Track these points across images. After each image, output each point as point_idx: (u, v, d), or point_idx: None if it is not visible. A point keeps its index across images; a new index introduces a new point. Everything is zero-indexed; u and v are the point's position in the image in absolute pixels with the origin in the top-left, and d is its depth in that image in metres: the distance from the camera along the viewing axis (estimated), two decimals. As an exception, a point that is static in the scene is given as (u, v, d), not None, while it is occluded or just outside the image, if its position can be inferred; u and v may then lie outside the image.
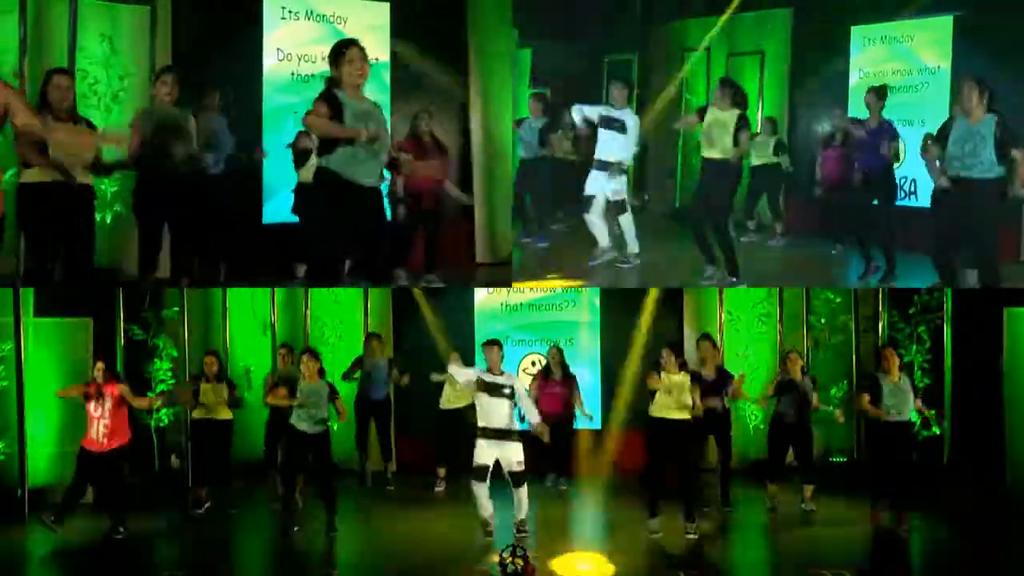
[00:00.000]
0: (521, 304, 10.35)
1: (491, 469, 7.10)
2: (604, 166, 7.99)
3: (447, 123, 10.15)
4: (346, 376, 9.01)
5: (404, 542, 7.29)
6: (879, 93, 7.36)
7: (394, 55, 9.91)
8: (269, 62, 9.35)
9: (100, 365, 7.44)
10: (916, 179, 7.61)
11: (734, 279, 7.56)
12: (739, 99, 7.07)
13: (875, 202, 7.58)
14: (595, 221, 8.19)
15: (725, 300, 10.04)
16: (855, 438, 9.96)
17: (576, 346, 10.17)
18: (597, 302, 10.29)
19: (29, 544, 7.42)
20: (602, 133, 7.94)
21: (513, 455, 7.08)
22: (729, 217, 7.57)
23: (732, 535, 7.65)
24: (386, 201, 6.33)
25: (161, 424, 9.47)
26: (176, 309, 9.65)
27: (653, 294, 9.71)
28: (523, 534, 7.08)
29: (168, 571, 6.52)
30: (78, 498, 7.45)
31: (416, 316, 9.75)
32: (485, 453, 7.08)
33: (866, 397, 7.18)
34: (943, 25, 7.61)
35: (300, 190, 8.33)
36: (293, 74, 9.43)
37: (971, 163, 5.64)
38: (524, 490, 7.14)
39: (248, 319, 10.07)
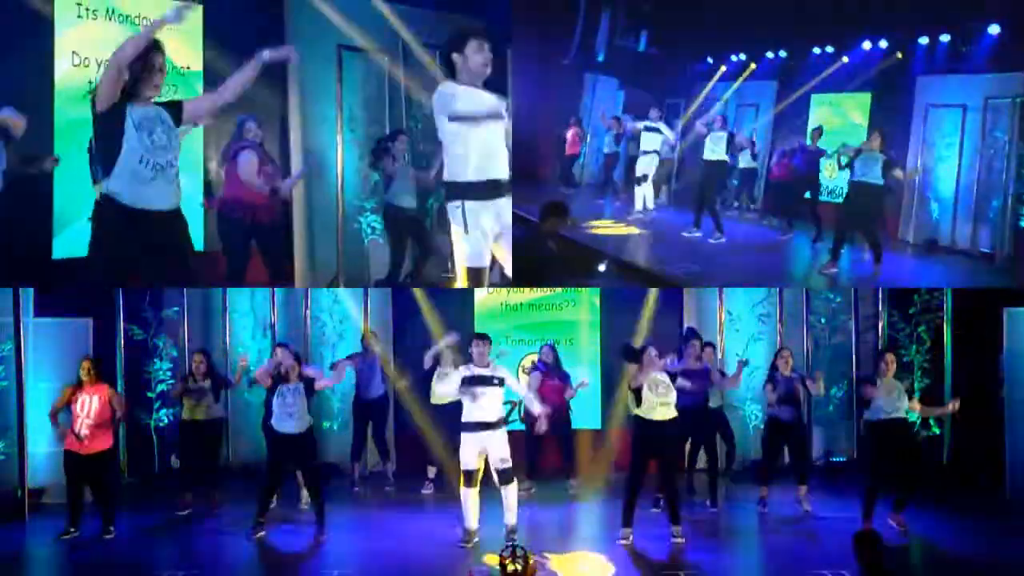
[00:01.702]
0: (521, 304, 10.35)
1: (480, 474, 7.06)
2: (645, 153, 12.10)
3: (266, 136, 8.77)
4: (335, 366, 9.04)
5: (404, 542, 7.29)
6: (819, 132, 11.66)
7: (207, 63, 8.70)
8: (62, 67, 7.92)
9: (86, 364, 7.42)
10: (842, 186, 10.94)
11: (720, 234, 10.70)
12: (728, 129, 11.48)
13: (807, 195, 11.44)
14: (638, 192, 12.19)
15: (725, 300, 10.07)
16: (855, 439, 9.96)
17: (576, 346, 10.18)
18: (597, 302, 10.29)
19: (29, 544, 7.43)
20: (644, 135, 12.07)
21: (498, 450, 6.98)
22: (716, 194, 11.49)
23: (732, 535, 7.65)
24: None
25: (161, 424, 9.49)
26: (176, 309, 9.68)
27: (653, 294, 9.72)
28: (512, 542, 6.94)
29: (167, 571, 6.52)
30: (80, 500, 7.45)
31: (416, 316, 9.75)
32: (470, 454, 7.01)
33: (869, 387, 7.53)
34: (865, 97, 12.18)
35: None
36: (92, 83, 7.77)
37: (868, 173, 8.87)
38: (513, 488, 7.04)
39: (248, 319, 10.08)
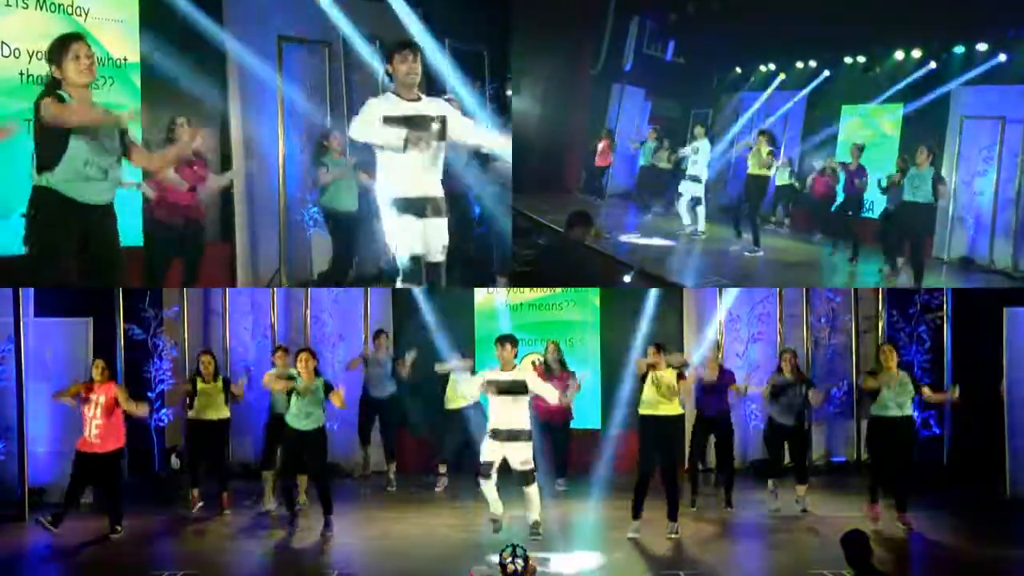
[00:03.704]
0: (521, 304, 10.35)
1: (496, 465, 7.03)
2: (691, 177, 11.86)
3: (206, 133, 8.36)
4: (348, 366, 9.12)
5: (404, 542, 7.29)
6: (859, 148, 11.40)
7: (144, 55, 8.38)
8: (-8, 58, 7.62)
9: (99, 363, 7.47)
10: (874, 201, 11.34)
11: (757, 248, 10.66)
12: (770, 142, 11.06)
13: (849, 213, 11.38)
14: (682, 210, 12.03)
15: (725, 300, 10.05)
16: (856, 439, 9.95)
17: (576, 346, 10.17)
18: (597, 302, 10.29)
19: (29, 544, 7.42)
20: (691, 160, 11.79)
21: (519, 455, 6.96)
22: (757, 207, 11.19)
23: (732, 535, 7.65)
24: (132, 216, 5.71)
25: (161, 424, 9.49)
26: (176, 309, 9.67)
27: (653, 294, 9.71)
28: (537, 536, 6.96)
29: (168, 571, 6.52)
30: (76, 499, 7.48)
31: (416, 316, 9.75)
32: (491, 450, 6.99)
33: (869, 379, 7.57)
34: (896, 109, 11.90)
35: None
36: (23, 74, 7.66)
37: (919, 192, 8.85)
38: (534, 488, 7.05)
39: (248, 319, 10.07)
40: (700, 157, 11.78)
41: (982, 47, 10.42)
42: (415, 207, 5.70)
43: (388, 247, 5.84)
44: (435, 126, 5.68)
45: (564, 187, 14.45)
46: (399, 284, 5.91)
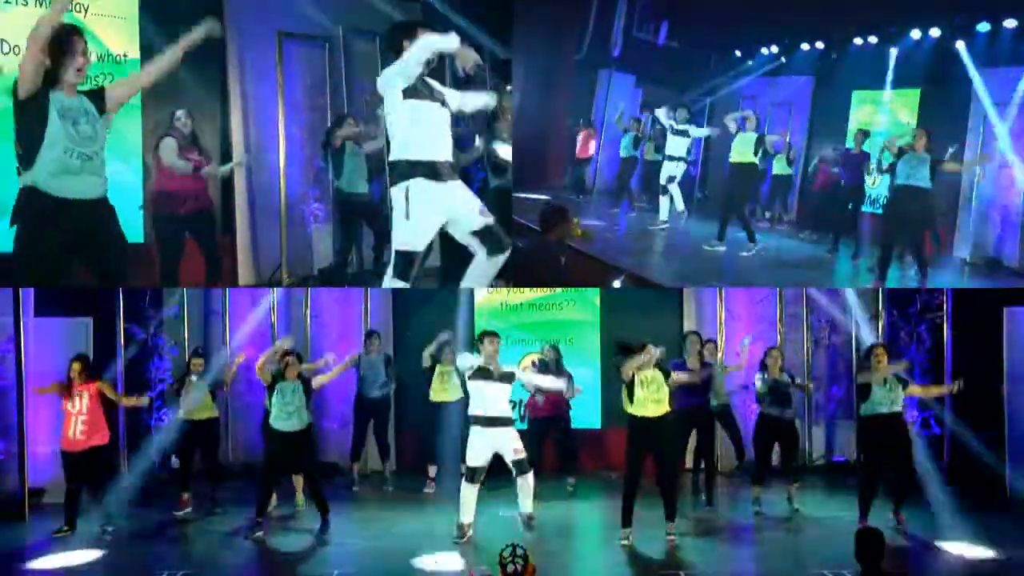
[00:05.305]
0: (521, 303, 10.35)
1: (486, 470, 7.06)
2: (671, 159, 11.18)
3: (206, 129, 8.81)
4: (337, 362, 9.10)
5: (404, 542, 7.28)
6: (864, 134, 10.62)
7: (144, 51, 8.35)
8: (-10, 56, 7.49)
9: (76, 366, 7.49)
10: (885, 194, 10.06)
11: (753, 244, 9.94)
12: (760, 130, 10.34)
13: (850, 207, 10.59)
14: (664, 201, 11.35)
15: (725, 300, 10.05)
16: (856, 439, 9.95)
17: (576, 346, 10.18)
18: (597, 302, 10.29)
19: (29, 544, 7.43)
20: (671, 139, 11.13)
21: (510, 443, 7.01)
22: (744, 200, 10.40)
23: (732, 535, 7.65)
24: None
25: (161, 424, 9.48)
26: (176, 309, 9.68)
27: (653, 294, 9.71)
28: (532, 529, 7.04)
29: (168, 571, 6.52)
30: (76, 499, 7.50)
31: (416, 316, 9.75)
32: (480, 451, 7.00)
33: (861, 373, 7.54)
34: (913, 94, 10.91)
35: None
36: None
37: (914, 175, 8.19)
38: (530, 477, 7.08)
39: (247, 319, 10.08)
40: (682, 141, 11.07)
41: (1010, 23, 9.26)
42: (431, 170, 5.52)
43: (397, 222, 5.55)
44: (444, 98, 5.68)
45: (546, 183, 13.21)
46: (386, 282, 5.70)
